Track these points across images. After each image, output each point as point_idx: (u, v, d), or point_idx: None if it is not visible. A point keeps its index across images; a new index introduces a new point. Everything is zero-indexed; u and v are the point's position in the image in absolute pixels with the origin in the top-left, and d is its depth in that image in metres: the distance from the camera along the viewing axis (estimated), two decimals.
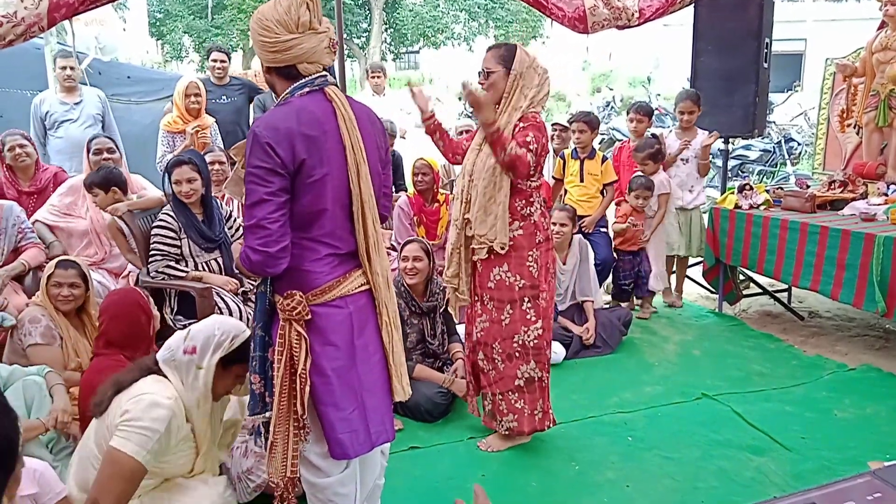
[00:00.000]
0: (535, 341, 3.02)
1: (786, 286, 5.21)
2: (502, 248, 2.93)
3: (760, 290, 5.29)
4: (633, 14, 4.51)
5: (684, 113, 5.11)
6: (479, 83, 2.97)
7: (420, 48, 27.71)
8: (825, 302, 5.25)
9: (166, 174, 3.62)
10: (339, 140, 1.95)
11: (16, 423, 1.32)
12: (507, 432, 3.13)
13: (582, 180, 5.01)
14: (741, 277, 5.27)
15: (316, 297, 1.98)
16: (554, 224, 4.30)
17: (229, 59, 6.03)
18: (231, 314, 3.39)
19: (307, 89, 1.97)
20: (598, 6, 4.46)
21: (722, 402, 3.62)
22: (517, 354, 3.03)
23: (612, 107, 15.55)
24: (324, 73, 2.00)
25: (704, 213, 5.25)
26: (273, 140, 1.85)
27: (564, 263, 4.47)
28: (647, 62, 23.31)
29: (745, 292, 5.29)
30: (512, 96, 2.91)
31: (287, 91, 1.99)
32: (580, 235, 4.65)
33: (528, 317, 3.00)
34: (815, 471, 2.95)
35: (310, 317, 1.97)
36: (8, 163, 4.23)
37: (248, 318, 3.43)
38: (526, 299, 2.99)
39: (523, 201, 2.96)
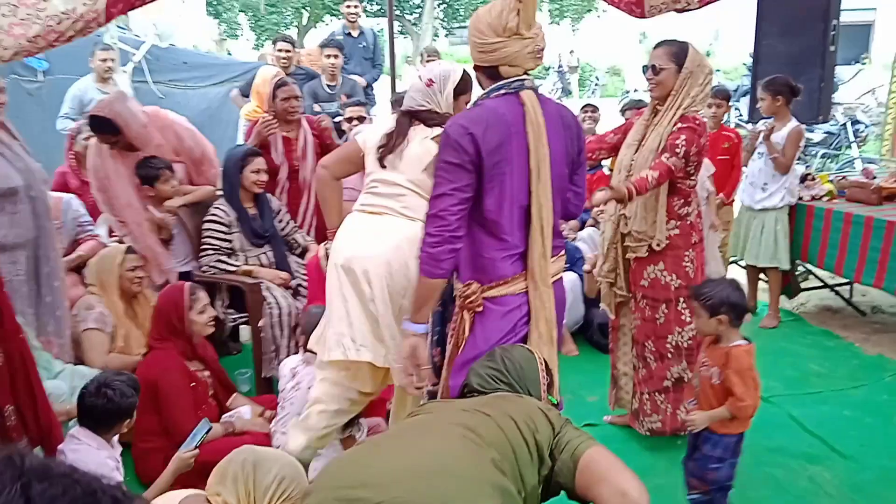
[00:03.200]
0: (689, 342, 3.05)
1: (847, 280, 5.02)
2: (658, 246, 2.95)
3: (821, 284, 5.11)
4: None
5: (761, 101, 4.55)
6: (648, 78, 3.00)
7: None
8: (889, 296, 5.05)
9: (238, 162, 3.65)
10: (524, 143, 2.08)
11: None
12: (647, 433, 3.17)
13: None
14: (800, 269, 5.10)
15: (489, 289, 2.14)
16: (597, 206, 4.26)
17: (294, 47, 6.07)
18: (280, 308, 3.44)
19: (503, 91, 2.12)
20: None
21: (776, 405, 3.52)
22: (669, 355, 3.07)
23: None
24: (523, 76, 2.14)
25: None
26: (462, 139, 2.01)
27: None
28: (707, 34, 22.59)
29: (803, 285, 5.12)
30: (679, 95, 2.92)
31: (485, 91, 2.16)
32: None
33: (683, 317, 3.03)
34: (874, 481, 2.86)
35: (481, 308, 2.14)
36: (77, 149, 4.35)
37: (296, 313, 3.48)
38: (681, 299, 3.02)
39: (681, 201, 2.99)
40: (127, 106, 3.70)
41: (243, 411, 3.08)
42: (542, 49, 2.15)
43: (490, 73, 2.15)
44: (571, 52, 23.67)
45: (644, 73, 3.09)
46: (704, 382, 2.56)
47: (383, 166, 2.48)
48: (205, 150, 4.02)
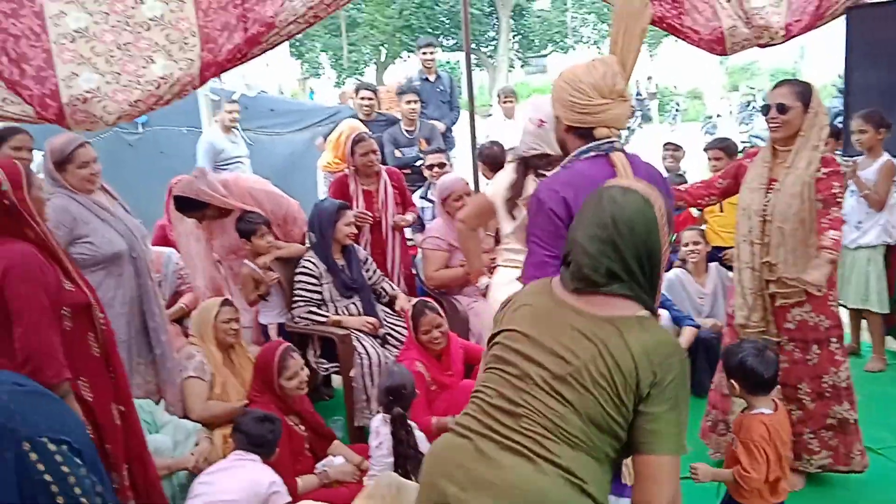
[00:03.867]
0: (847, 381, 3.03)
1: None
2: (820, 291, 2.88)
3: None
4: (777, 32, 4.24)
5: (856, 132, 4.35)
6: (771, 118, 2.96)
7: (548, 53, 27.50)
8: None
9: (332, 217, 3.76)
10: None
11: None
12: (818, 470, 3.10)
13: (722, 210, 4.76)
14: None
15: None
16: (685, 245, 4.18)
17: (376, 94, 6.27)
18: (370, 358, 3.50)
19: (592, 154, 2.08)
20: (737, 26, 4.23)
21: (888, 458, 3.32)
22: (827, 394, 3.03)
23: (754, 108, 14.67)
24: (613, 138, 2.10)
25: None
26: (555, 206, 1.99)
27: (703, 287, 4.30)
28: (792, 52, 21.90)
29: None
30: (810, 135, 2.90)
31: (574, 153, 2.11)
32: (716, 263, 4.44)
33: (836, 357, 3.00)
34: None
35: None
36: None
37: (384, 361, 3.53)
38: (833, 339, 3.00)
39: None
40: (207, 182, 3.88)
41: (335, 459, 3.14)
42: (634, 111, 2.15)
43: (582, 133, 2.11)
44: (649, 78, 23.40)
45: (764, 112, 3.02)
46: (730, 451, 2.52)
47: (513, 218, 2.50)
48: (288, 210, 4.16)
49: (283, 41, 4.05)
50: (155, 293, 3.34)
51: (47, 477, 1.78)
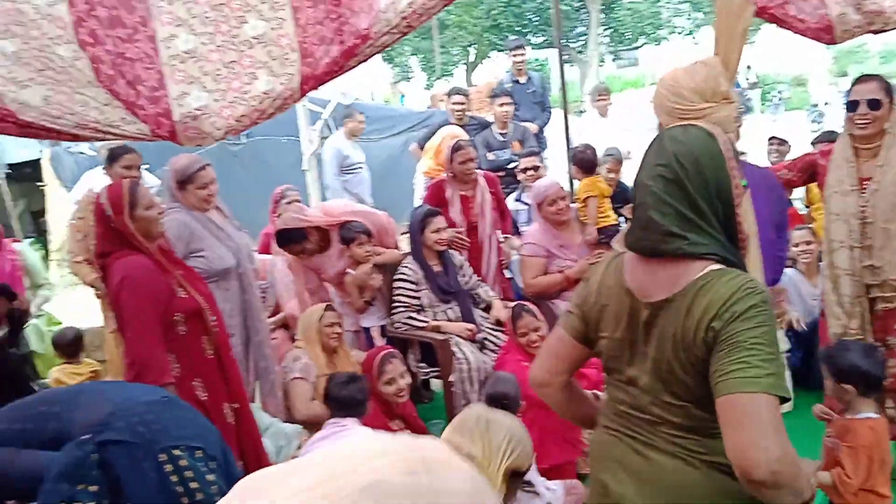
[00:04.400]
0: None
1: None
2: None
3: None
4: (891, 17, 3.98)
5: None
6: (862, 114, 2.85)
7: (641, 45, 26.87)
8: None
9: (419, 224, 3.82)
10: None
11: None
12: None
13: None
14: None
15: None
16: (796, 245, 4.01)
17: (467, 98, 6.32)
18: (469, 363, 3.53)
19: None
20: (847, 13, 3.99)
21: None
22: None
23: None
24: None
25: None
26: None
27: (816, 288, 4.10)
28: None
29: None
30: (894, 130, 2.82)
31: None
32: None
33: None
34: None
35: None
36: (280, 212, 4.75)
37: (483, 366, 3.55)
38: None
39: None
40: (304, 214, 4.01)
41: None
42: (740, 116, 2.07)
43: None
44: (748, 67, 22.46)
45: (850, 109, 2.88)
46: (829, 453, 2.40)
47: None
48: (380, 225, 4.25)
49: (377, 52, 4.12)
50: (258, 308, 3.51)
51: (178, 489, 1.91)
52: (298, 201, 4.77)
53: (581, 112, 10.54)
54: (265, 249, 4.58)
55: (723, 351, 1.38)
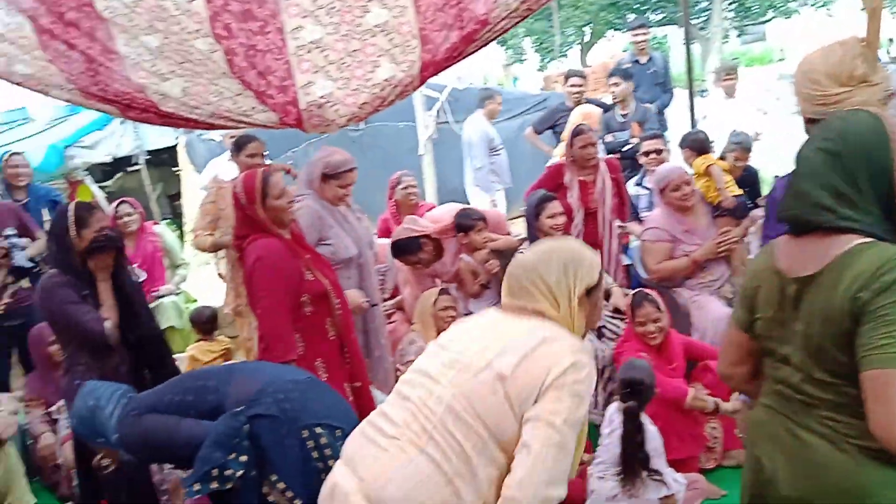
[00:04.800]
0: None
1: None
2: None
3: None
4: None
5: None
6: None
7: (769, 19, 25.38)
8: None
9: (534, 209, 3.80)
10: None
11: None
12: None
13: None
14: None
15: None
16: None
17: (585, 80, 6.21)
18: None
19: None
20: None
21: None
22: None
23: None
24: None
25: None
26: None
27: None
28: None
29: None
30: None
31: None
32: None
33: None
34: None
35: None
36: (397, 198, 4.85)
37: (601, 356, 3.49)
38: None
39: None
40: (416, 225, 4.05)
41: None
42: (893, 93, 1.92)
43: None
44: (891, 40, 20.74)
45: None
46: None
47: None
48: (490, 217, 4.25)
49: (496, 37, 4.11)
50: (376, 298, 3.62)
51: (318, 464, 2.02)
52: (414, 186, 4.84)
53: (703, 92, 10.09)
54: (383, 234, 4.69)
55: (869, 324, 1.38)
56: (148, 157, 8.49)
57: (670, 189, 3.88)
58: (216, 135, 7.41)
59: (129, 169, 8.81)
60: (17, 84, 4.15)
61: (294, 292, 2.79)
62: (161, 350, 2.90)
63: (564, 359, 1.61)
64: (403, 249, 3.96)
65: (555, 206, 3.79)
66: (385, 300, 4.07)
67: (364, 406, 2.94)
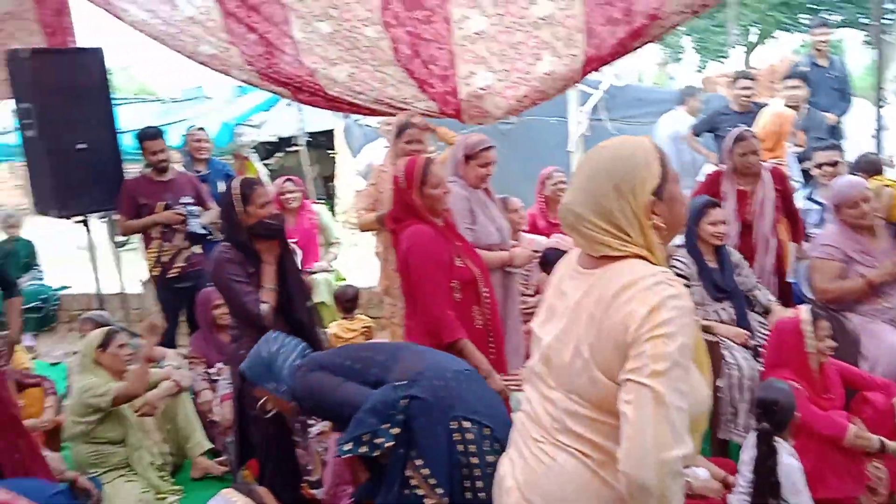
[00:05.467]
0: None
1: None
2: None
3: None
4: None
5: None
6: None
7: None
8: None
9: (696, 214, 3.64)
10: None
11: None
12: None
13: None
14: None
15: None
16: None
17: (754, 83, 5.89)
18: (740, 370, 3.29)
19: None
20: None
21: None
22: None
23: None
24: None
25: None
26: None
27: None
28: None
29: None
30: None
31: None
32: None
33: None
34: None
35: None
36: (546, 193, 4.80)
37: (756, 376, 3.29)
38: None
39: None
40: (564, 240, 3.99)
41: (698, 471, 3.01)
42: None
43: None
44: None
45: None
46: None
47: None
48: None
49: (665, 32, 3.95)
50: (515, 290, 3.60)
51: (461, 458, 2.05)
52: (564, 182, 4.76)
53: (883, 101, 9.25)
54: (531, 229, 4.65)
55: None
56: (308, 138, 8.90)
57: (847, 206, 3.56)
58: (373, 121, 7.64)
59: (290, 149, 9.28)
60: (202, 63, 4.48)
61: (444, 278, 2.85)
62: (311, 336, 3.02)
63: (640, 308, 1.39)
64: (551, 263, 3.93)
65: (718, 213, 3.58)
66: (527, 296, 4.04)
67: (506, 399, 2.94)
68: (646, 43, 3.89)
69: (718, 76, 13.39)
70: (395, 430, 2.07)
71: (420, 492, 2.08)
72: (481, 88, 4.04)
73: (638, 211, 1.49)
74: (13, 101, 4.57)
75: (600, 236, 1.49)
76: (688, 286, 3.56)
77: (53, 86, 4.35)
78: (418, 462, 2.07)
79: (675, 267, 3.61)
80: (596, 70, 4.10)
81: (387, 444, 2.07)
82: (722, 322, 3.52)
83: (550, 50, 3.92)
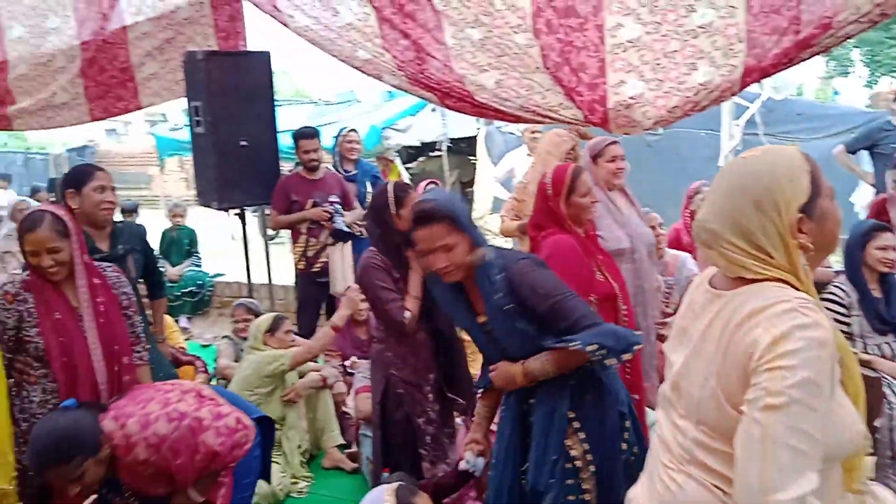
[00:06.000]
0: None
1: None
2: None
3: None
4: None
5: None
6: None
7: None
8: None
9: (861, 238, 3.37)
10: None
11: None
12: None
13: None
14: None
15: None
16: None
17: None
18: None
19: None
20: None
21: None
22: None
23: None
24: None
25: None
26: None
27: None
28: None
29: None
30: None
31: None
32: None
33: None
34: None
35: None
36: (693, 208, 4.61)
37: None
38: None
39: None
40: None
41: None
42: None
43: None
44: None
45: None
46: None
47: None
48: None
49: (837, 44, 3.68)
50: (651, 296, 3.47)
51: (622, 456, 2.16)
52: None
53: None
54: (675, 244, 4.49)
55: None
56: (449, 144, 9.06)
57: None
58: (515, 128, 7.66)
59: (432, 154, 9.49)
60: (356, 68, 4.65)
61: (583, 291, 2.78)
62: (453, 348, 3.02)
63: (764, 336, 1.27)
64: None
65: (887, 238, 3.30)
66: (667, 315, 3.89)
67: (641, 417, 2.85)
68: (813, 55, 3.65)
69: (889, 92, 12.36)
70: (611, 370, 2.21)
71: (578, 463, 2.16)
72: (631, 98, 3.93)
73: (783, 229, 1.34)
74: (186, 99, 4.94)
75: (738, 256, 1.37)
76: (846, 316, 3.30)
77: (223, 86, 4.64)
78: (581, 436, 2.15)
79: (833, 294, 3.36)
80: (756, 81, 3.89)
81: (606, 371, 2.21)
82: (884, 357, 3.24)
83: (707, 59, 3.77)
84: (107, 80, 5.11)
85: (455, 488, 2.53)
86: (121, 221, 3.47)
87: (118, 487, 2.56)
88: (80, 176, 3.20)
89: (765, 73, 3.75)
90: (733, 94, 4.05)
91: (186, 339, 6.12)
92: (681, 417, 1.46)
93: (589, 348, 2.04)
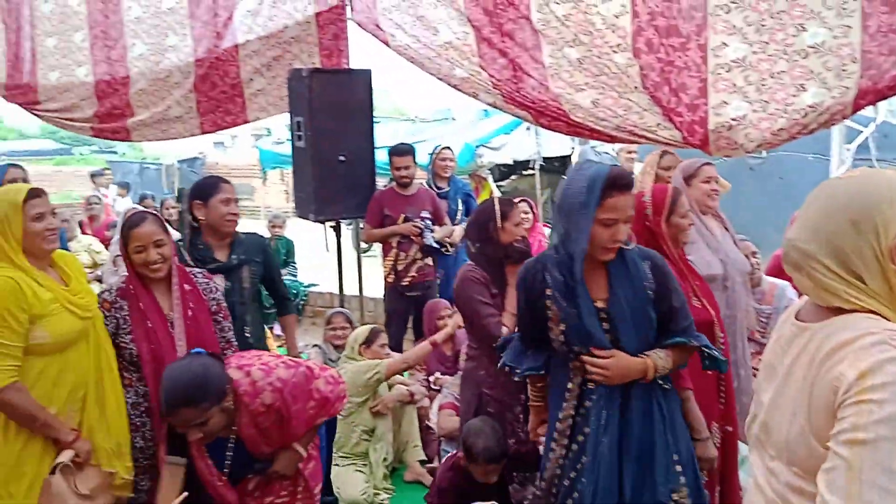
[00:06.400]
0: None
1: None
2: None
3: None
4: None
5: None
6: None
7: None
8: None
9: None
10: None
11: None
12: None
13: None
14: None
15: None
16: None
17: None
18: None
19: None
20: None
21: None
22: None
23: None
24: None
25: None
26: None
27: None
28: None
29: None
30: None
31: None
32: None
33: None
34: None
35: None
36: None
37: None
38: None
39: None
40: None
41: None
42: None
43: None
44: None
45: None
46: None
47: None
48: None
49: None
50: (742, 325, 3.33)
51: None
52: None
53: None
54: (775, 272, 4.30)
55: None
56: (542, 163, 9.02)
57: None
58: (610, 147, 7.55)
59: (524, 172, 9.47)
60: (454, 86, 4.72)
61: None
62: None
63: (850, 370, 1.19)
64: None
65: None
66: (763, 346, 3.73)
67: (729, 453, 2.73)
68: None
69: None
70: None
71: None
72: (733, 119, 3.81)
73: (880, 254, 1.25)
74: (288, 114, 5.13)
75: (829, 281, 1.28)
76: None
77: (325, 102, 4.78)
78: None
79: None
80: (871, 104, 3.70)
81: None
82: None
83: (818, 81, 3.61)
84: (217, 95, 5.38)
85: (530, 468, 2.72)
86: (244, 232, 3.47)
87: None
88: (207, 188, 3.29)
89: (880, 95, 3.56)
90: (845, 118, 3.87)
91: (279, 346, 6.31)
92: (772, 459, 1.38)
93: (707, 350, 2.25)
